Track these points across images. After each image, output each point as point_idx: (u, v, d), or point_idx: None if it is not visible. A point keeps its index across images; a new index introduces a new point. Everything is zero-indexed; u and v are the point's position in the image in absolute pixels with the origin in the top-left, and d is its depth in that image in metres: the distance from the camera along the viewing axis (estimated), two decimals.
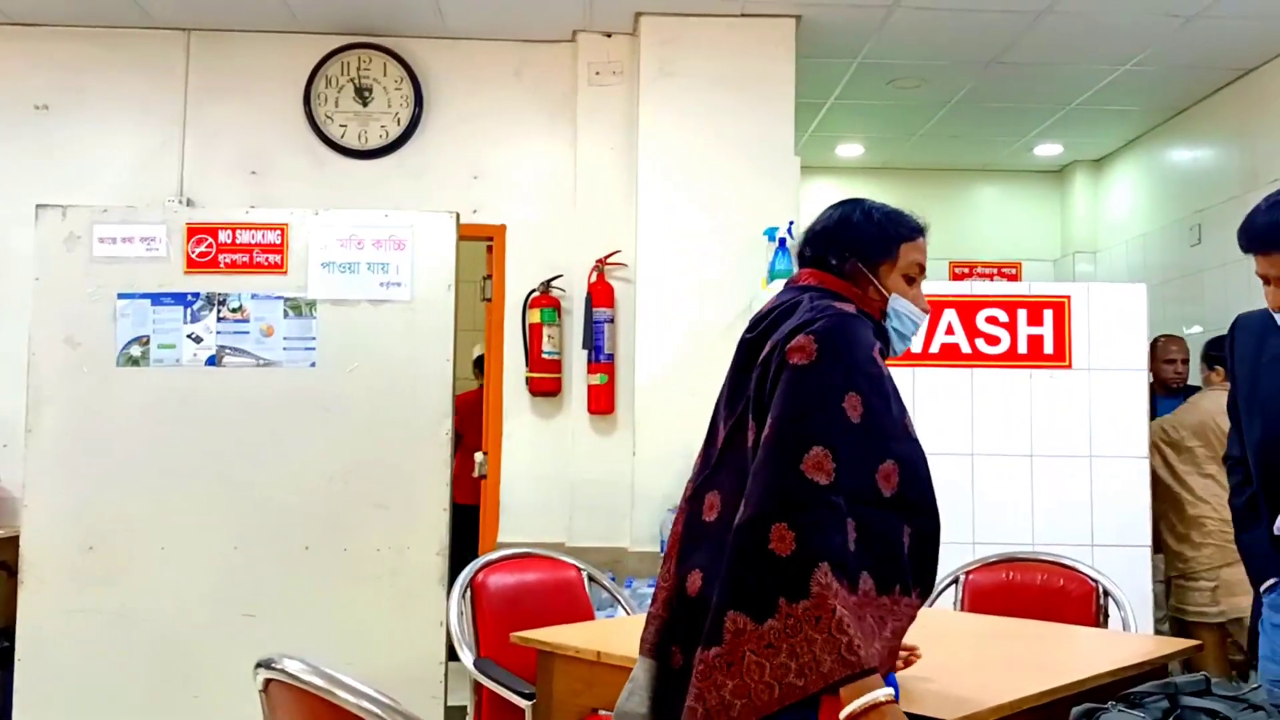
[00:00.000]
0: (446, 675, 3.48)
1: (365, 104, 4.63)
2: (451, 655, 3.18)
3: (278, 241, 3.50)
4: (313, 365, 3.48)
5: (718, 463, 1.75)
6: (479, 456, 4.62)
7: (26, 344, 3.49)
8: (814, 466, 1.54)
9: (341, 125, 4.61)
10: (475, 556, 3.05)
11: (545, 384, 4.62)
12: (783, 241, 4.08)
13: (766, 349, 1.69)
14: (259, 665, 1.54)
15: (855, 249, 1.79)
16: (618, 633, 2.45)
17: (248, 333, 3.46)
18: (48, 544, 3.39)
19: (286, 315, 3.48)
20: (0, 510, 4.43)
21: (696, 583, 1.67)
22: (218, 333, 3.45)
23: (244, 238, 3.49)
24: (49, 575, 3.37)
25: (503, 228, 4.72)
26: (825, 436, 1.55)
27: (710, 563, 1.64)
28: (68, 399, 3.44)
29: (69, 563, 3.37)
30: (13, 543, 3.86)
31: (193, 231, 3.48)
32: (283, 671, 1.49)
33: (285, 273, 3.49)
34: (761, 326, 1.76)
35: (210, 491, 3.46)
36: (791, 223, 4.18)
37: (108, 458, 3.42)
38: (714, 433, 1.79)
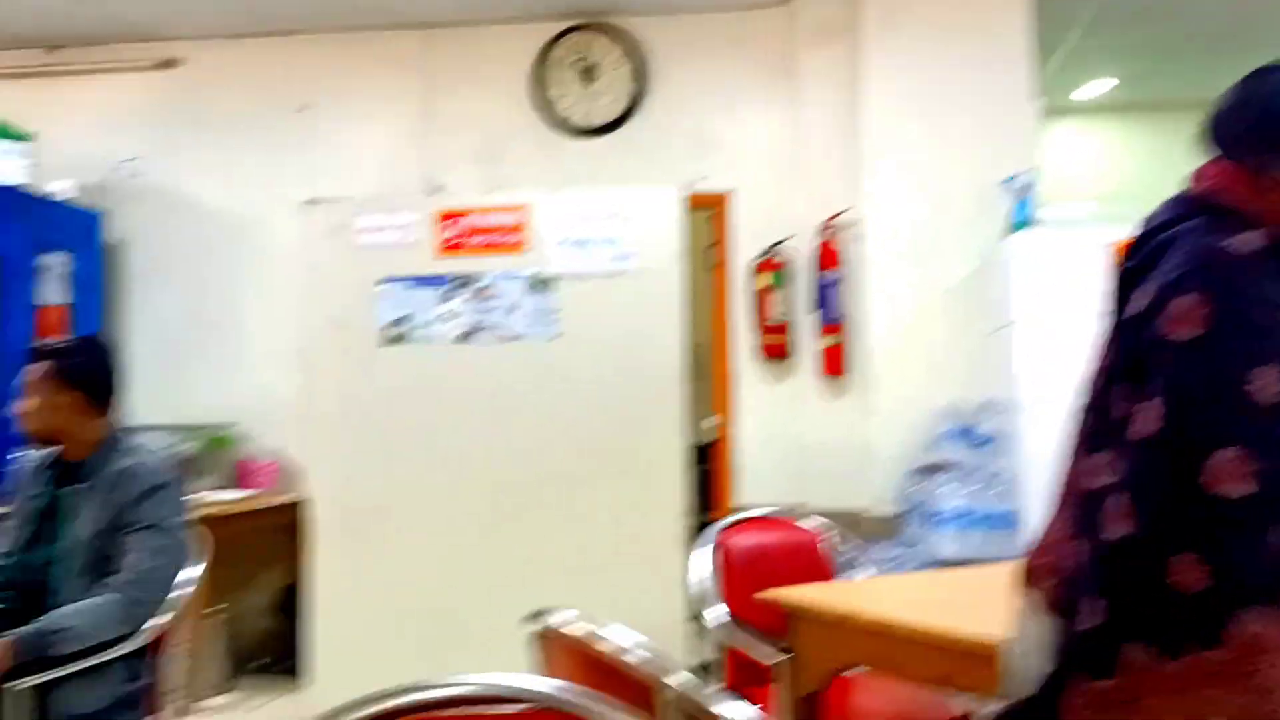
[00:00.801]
0: (690, 636, 3.59)
1: (590, 83, 4.78)
2: (693, 617, 3.28)
3: (518, 222, 3.68)
4: (554, 338, 3.65)
5: (1099, 420, 1.37)
6: (710, 421, 4.71)
7: (300, 328, 3.83)
8: (1222, 475, 1.16)
9: (569, 106, 4.78)
10: None
11: (774, 348, 4.64)
12: (1023, 190, 3.91)
13: (1140, 300, 1.29)
14: (530, 617, 1.66)
15: None
16: (863, 594, 2.46)
17: (495, 310, 3.67)
18: (328, 509, 3.73)
19: (529, 291, 3.67)
20: (286, 478, 4.92)
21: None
22: (469, 311, 3.68)
23: (488, 220, 3.69)
24: (330, 537, 3.72)
25: (727, 195, 4.76)
26: (1231, 433, 1.17)
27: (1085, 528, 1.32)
28: (337, 376, 3.76)
29: (347, 525, 3.71)
30: (296, 508, 4.28)
31: (443, 217, 3.72)
32: (552, 624, 1.61)
33: (526, 251, 3.68)
34: (1143, 253, 1.34)
35: (461, 460, 3.70)
36: (1029, 171, 3.99)
37: (374, 429, 3.73)
38: (1100, 374, 1.40)
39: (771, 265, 4.64)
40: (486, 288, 3.68)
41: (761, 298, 4.64)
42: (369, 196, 3.90)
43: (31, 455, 2.64)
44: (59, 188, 4.89)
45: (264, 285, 5.07)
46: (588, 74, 4.80)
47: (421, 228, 3.73)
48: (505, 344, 3.68)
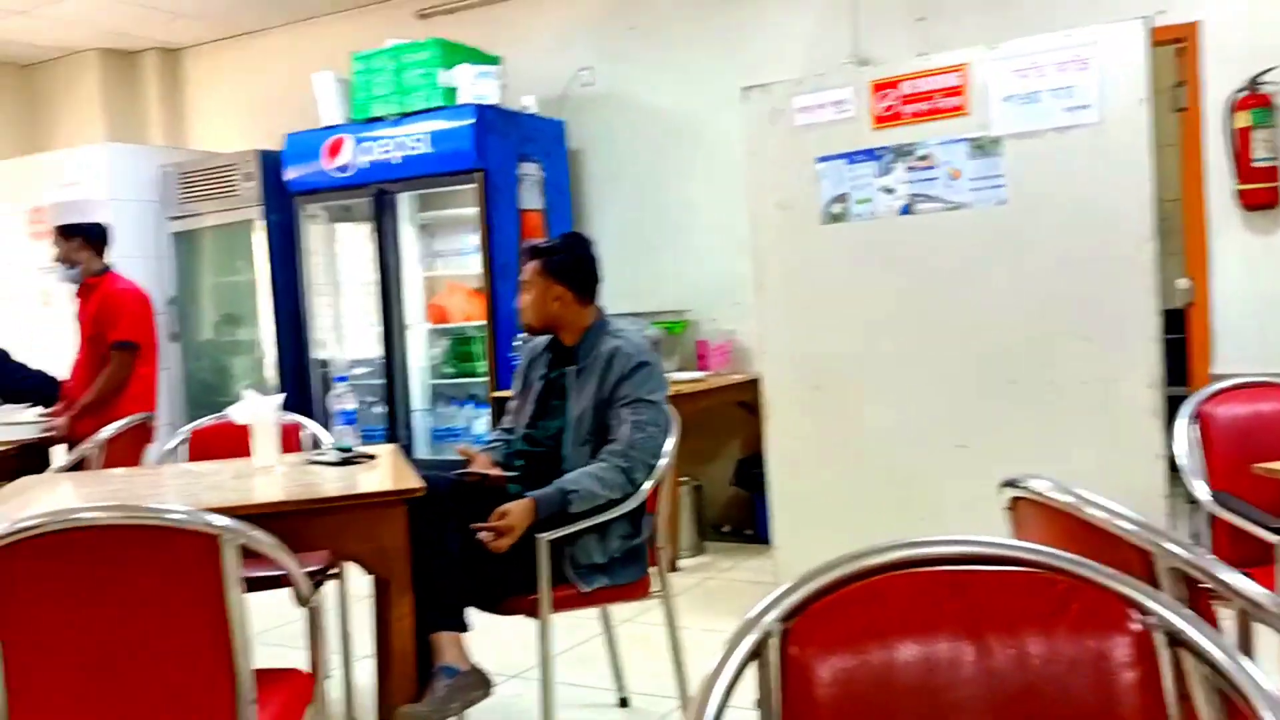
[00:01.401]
0: (1168, 510, 3.36)
1: None
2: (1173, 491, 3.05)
3: (957, 84, 3.52)
4: (1001, 203, 3.49)
5: None
6: (1182, 283, 4.26)
7: (745, 214, 3.99)
8: None
9: None
10: None
11: (1259, 195, 4.09)
12: None
13: None
14: (1005, 484, 1.66)
15: None
16: None
17: (935, 179, 3.57)
18: (782, 384, 3.91)
19: (972, 156, 3.52)
20: (739, 357, 5.21)
21: None
22: (908, 182, 3.61)
23: (923, 85, 3.57)
24: (786, 411, 3.91)
25: (1195, 25, 4.20)
26: None
27: None
28: (783, 257, 3.88)
29: (801, 400, 3.87)
30: (751, 385, 4.53)
31: (877, 88, 3.65)
32: (1030, 490, 1.59)
33: (966, 114, 3.52)
34: None
35: (912, 332, 3.69)
36: None
37: (821, 306, 3.82)
38: None
39: (1254, 100, 4.05)
40: (926, 156, 3.59)
41: (1242, 139, 4.08)
42: (803, 77, 3.92)
43: (533, 342, 3.03)
44: (527, 103, 5.43)
45: (709, 176, 5.31)
46: None
47: (856, 102, 3.69)
48: (949, 213, 3.57)
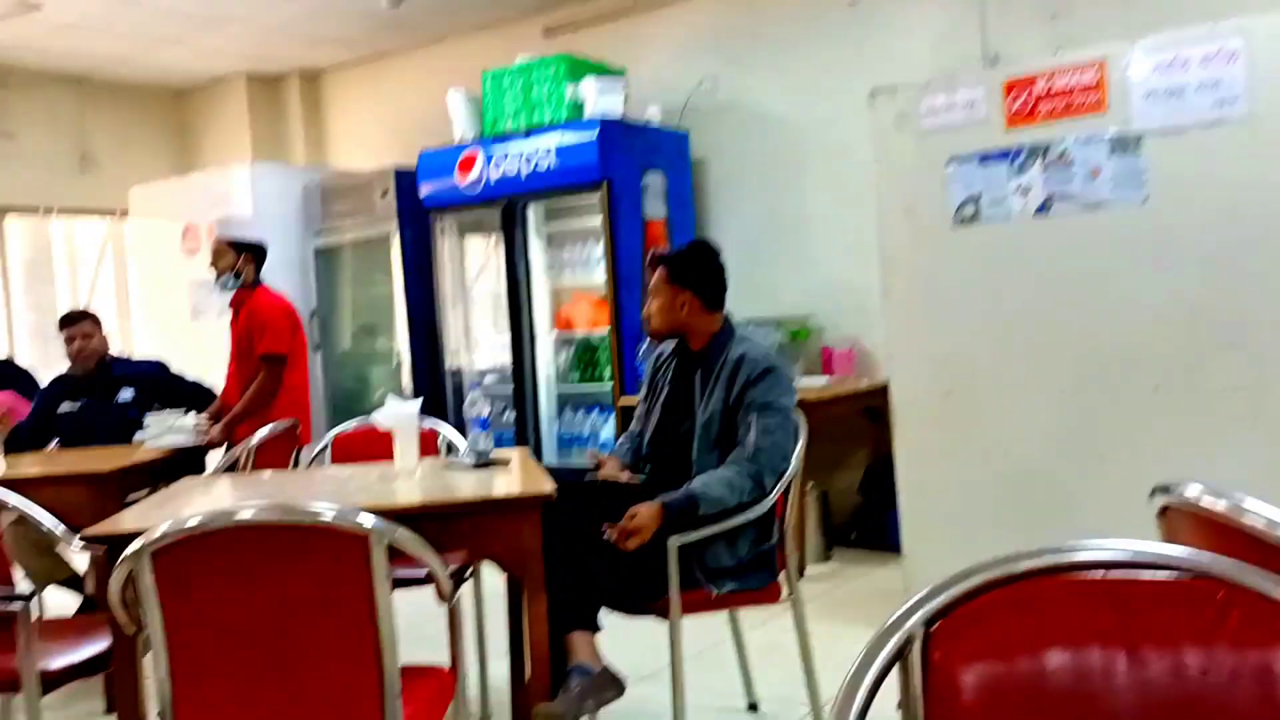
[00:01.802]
0: None
1: None
2: None
3: (1094, 80, 3.41)
4: (1143, 202, 3.36)
5: None
6: None
7: (872, 219, 3.94)
8: None
9: None
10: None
11: None
12: None
13: None
14: (1156, 490, 1.60)
15: None
16: None
17: (1073, 178, 3.46)
18: (912, 391, 3.85)
19: (1111, 154, 3.40)
20: (864, 363, 5.15)
21: None
22: (1043, 182, 3.51)
23: (1059, 83, 3.47)
24: (916, 418, 3.84)
25: None
26: None
27: None
28: (912, 262, 3.82)
29: (932, 406, 3.79)
30: (877, 391, 4.47)
31: (1010, 87, 3.56)
32: (1182, 496, 1.53)
33: (1105, 111, 3.40)
34: None
35: (1047, 336, 3.58)
36: None
37: (952, 311, 3.74)
38: None
39: None
40: (1062, 155, 3.48)
41: None
42: (931, 78, 3.85)
43: (660, 348, 3.07)
44: (651, 113, 5.49)
45: (831, 182, 5.27)
46: None
47: (987, 102, 3.61)
48: (1087, 213, 3.46)
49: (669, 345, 3.01)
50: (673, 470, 2.80)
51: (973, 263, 3.69)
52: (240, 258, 4.38)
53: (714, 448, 2.76)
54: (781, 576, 2.76)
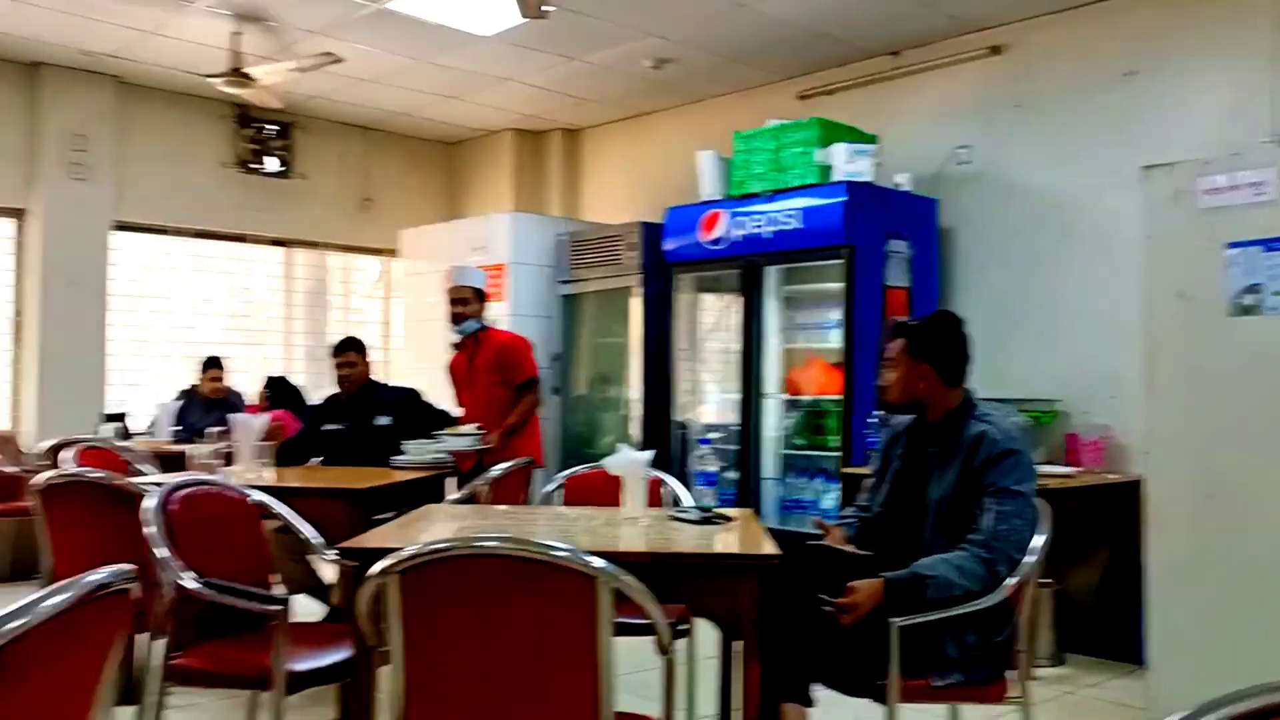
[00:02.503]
0: None
1: None
2: None
3: None
4: None
5: None
6: None
7: (1138, 300, 3.70)
8: None
9: None
10: None
11: None
12: None
13: None
14: None
15: None
16: None
17: None
18: (1170, 489, 3.56)
19: None
20: (1114, 455, 4.81)
21: None
22: None
23: None
24: (1173, 519, 3.54)
25: None
26: None
27: None
28: (1180, 351, 3.56)
29: (1191, 508, 3.50)
30: (1127, 486, 4.17)
31: None
32: None
33: None
34: None
35: None
36: None
37: (1223, 407, 3.45)
38: None
39: None
40: None
41: None
42: (1214, 155, 3.60)
43: (894, 421, 2.98)
44: (900, 180, 5.41)
45: (1092, 259, 5.00)
46: None
47: (1277, 184, 3.34)
48: None
49: (906, 419, 2.92)
50: (901, 548, 2.70)
51: (1250, 357, 3.39)
52: (481, 303, 4.87)
53: (946, 529, 2.65)
54: (1010, 675, 2.60)
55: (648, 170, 7.15)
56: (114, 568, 1.46)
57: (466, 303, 4.82)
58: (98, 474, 3.20)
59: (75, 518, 3.08)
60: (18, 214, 6.45)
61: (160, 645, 2.57)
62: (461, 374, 4.94)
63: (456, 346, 4.97)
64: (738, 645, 2.28)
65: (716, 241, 5.71)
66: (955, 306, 5.42)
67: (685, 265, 5.96)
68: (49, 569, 3.13)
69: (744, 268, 5.64)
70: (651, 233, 6.12)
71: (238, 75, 5.57)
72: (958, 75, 5.61)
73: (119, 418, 5.96)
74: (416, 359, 7.12)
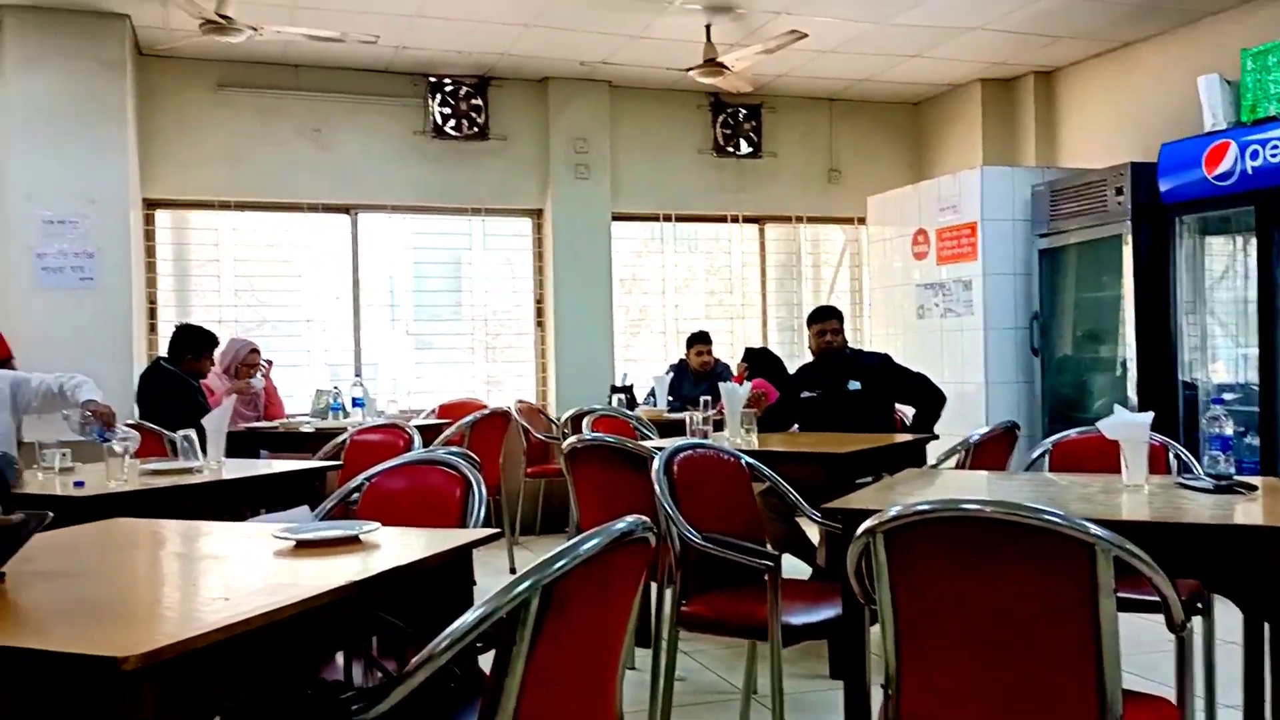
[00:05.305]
0: None
1: None
2: None
3: None
4: None
5: None
6: None
7: None
8: None
9: None
10: None
11: None
12: None
13: None
14: None
15: None
16: None
17: None
18: None
19: None
20: None
21: None
22: None
23: None
24: None
25: None
26: None
27: None
28: None
29: None
30: None
31: None
32: None
33: None
34: None
35: None
36: None
37: None
38: None
39: None
40: None
41: None
42: None
43: None
44: None
45: None
46: None
47: None
48: None
49: None
50: None
51: None
52: None
53: None
54: None
55: (1136, 105, 6.50)
56: (634, 517, 1.66)
57: None
58: (612, 439, 3.60)
59: (595, 477, 3.50)
60: (537, 214, 7.39)
61: (669, 594, 2.85)
62: None
63: None
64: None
65: (1224, 176, 5.05)
66: None
67: (1186, 206, 5.34)
68: (576, 521, 3.60)
69: (1260, 204, 4.93)
70: (1142, 174, 5.55)
71: (712, 65, 5.92)
72: None
73: (625, 389, 6.62)
74: (886, 325, 7.12)
